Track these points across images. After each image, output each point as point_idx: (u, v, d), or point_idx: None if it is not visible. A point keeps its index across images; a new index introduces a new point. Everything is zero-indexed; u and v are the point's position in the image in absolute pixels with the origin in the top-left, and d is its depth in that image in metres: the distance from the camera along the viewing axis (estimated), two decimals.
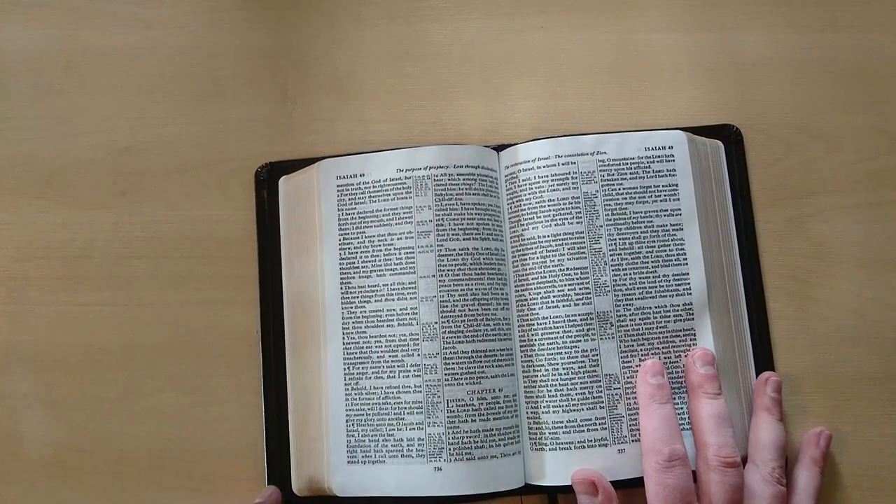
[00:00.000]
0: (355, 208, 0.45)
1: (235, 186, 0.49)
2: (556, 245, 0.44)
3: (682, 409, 0.43)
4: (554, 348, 0.43)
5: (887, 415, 0.45)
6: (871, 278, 0.47)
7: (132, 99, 0.51)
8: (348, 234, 0.45)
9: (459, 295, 0.44)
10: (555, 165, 0.45)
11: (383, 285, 0.44)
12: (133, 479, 0.46)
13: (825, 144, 0.48)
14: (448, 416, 0.43)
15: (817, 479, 0.43)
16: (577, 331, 0.43)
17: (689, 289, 0.44)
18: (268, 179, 0.48)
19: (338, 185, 0.46)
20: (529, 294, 0.44)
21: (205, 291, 0.48)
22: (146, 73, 0.51)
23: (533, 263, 0.44)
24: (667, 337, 0.43)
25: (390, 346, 0.44)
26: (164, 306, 0.48)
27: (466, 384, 0.43)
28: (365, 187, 0.46)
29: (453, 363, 0.43)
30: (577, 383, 0.43)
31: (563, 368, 0.43)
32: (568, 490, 0.42)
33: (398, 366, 0.43)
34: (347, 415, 0.43)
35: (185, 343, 0.48)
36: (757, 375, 0.45)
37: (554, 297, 0.43)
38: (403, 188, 0.45)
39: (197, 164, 0.50)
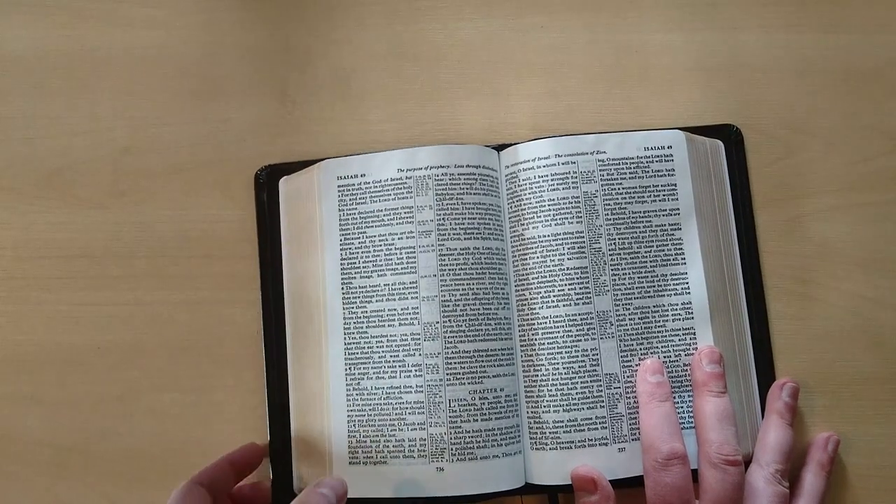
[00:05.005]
0: (356, 208, 0.45)
1: (235, 186, 0.49)
2: (557, 244, 0.44)
3: (681, 407, 0.43)
4: (554, 348, 0.43)
5: (887, 415, 0.46)
6: (871, 278, 0.47)
7: (132, 99, 0.51)
8: (349, 234, 0.45)
9: (461, 294, 0.44)
10: (555, 165, 0.45)
11: (384, 285, 0.44)
12: (133, 479, 0.46)
13: (825, 144, 0.49)
14: (450, 416, 0.42)
15: (823, 483, 0.43)
16: (577, 330, 0.43)
17: (688, 288, 0.44)
18: (267, 181, 0.48)
19: (338, 186, 0.46)
20: (530, 294, 0.44)
21: (205, 291, 0.48)
22: (146, 73, 0.51)
23: (533, 263, 0.44)
24: (666, 336, 0.43)
25: (391, 345, 0.44)
26: (164, 306, 0.48)
27: (468, 384, 0.43)
28: (366, 187, 0.45)
29: (455, 363, 0.43)
30: (577, 382, 0.43)
31: (564, 368, 0.43)
32: (568, 489, 0.42)
33: (399, 366, 0.43)
34: (349, 415, 0.43)
35: (185, 343, 0.48)
36: (757, 375, 0.45)
37: (554, 296, 0.43)
38: (404, 188, 0.45)
39: (197, 164, 0.50)
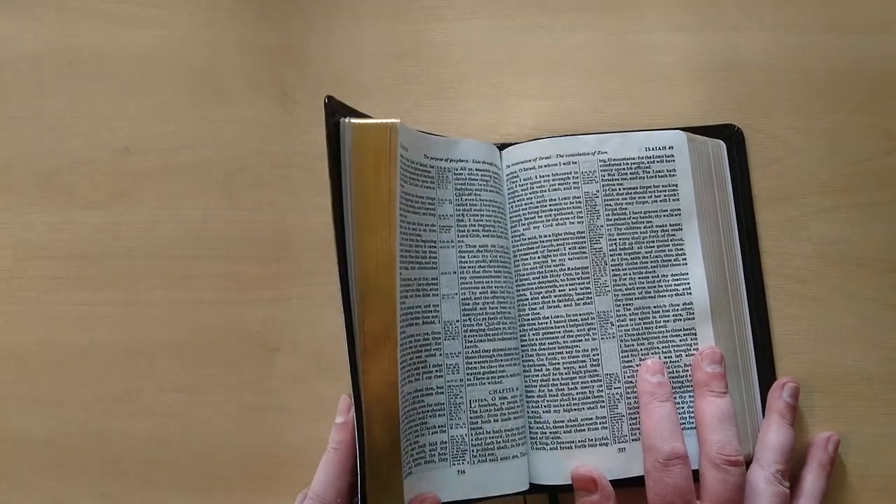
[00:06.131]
0: (403, 186, 0.40)
1: (235, 186, 0.49)
2: (557, 245, 0.44)
3: (682, 408, 0.43)
4: (555, 348, 0.43)
5: (887, 414, 0.45)
6: (871, 278, 0.47)
7: (132, 99, 0.51)
8: (400, 215, 0.40)
9: (480, 293, 0.43)
10: (556, 165, 0.45)
11: (412, 279, 0.41)
12: (133, 479, 0.46)
13: (825, 144, 0.49)
14: (471, 417, 0.41)
15: (824, 483, 0.43)
16: (577, 330, 0.43)
17: (689, 288, 0.44)
18: (332, 114, 0.38)
19: (400, 156, 0.40)
20: (531, 293, 0.44)
21: (205, 291, 0.48)
22: (146, 73, 0.51)
23: (534, 263, 0.44)
24: (667, 336, 0.43)
25: (415, 345, 0.41)
26: (164, 306, 0.48)
27: (488, 383, 0.42)
28: (405, 165, 0.41)
29: (475, 362, 0.42)
30: (577, 383, 0.43)
31: (564, 368, 0.43)
32: (568, 489, 0.42)
33: (422, 367, 0.41)
34: (401, 429, 0.38)
35: (185, 343, 0.48)
36: (758, 375, 0.45)
37: (555, 296, 0.43)
38: (427, 177, 0.43)
39: (197, 164, 0.50)
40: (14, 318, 0.48)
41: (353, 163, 0.38)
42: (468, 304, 0.43)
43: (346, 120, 0.38)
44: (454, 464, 0.41)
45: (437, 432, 0.41)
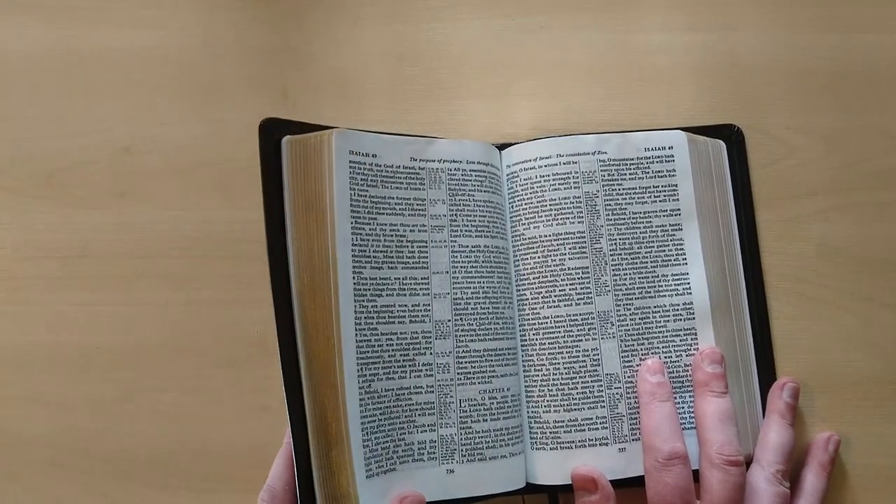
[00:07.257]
0: (367, 191, 0.42)
1: (235, 186, 0.49)
2: (558, 244, 0.44)
3: (682, 408, 0.43)
4: (555, 348, 0.43)
5: (887, 415, 0.46)
6: (871, 278, 0.47)
7: (132, 99, 0.51)
8: (360, 218, 0.41)
9: (472, 293, 0.43)
10: (556, 165, 0.45)
11: (395, 279, 0.42)
12: (133, 479, 0.46)
13: (825, 144, 0.49)
14: (460, 417, 0.42)
15: (824, 483, 0.43)
16: (578, 330, 0.43)
17: (689, 288, 0.44)
18: (272, 135, 0.41)
19: (350, 161, 0.42)
20: (531, 293, 0.44)
21: (205, 291, 0.48)
22: (146, 73, 0.51)
23: (534, 263, 0.44)
24: (667, 336, 0.43)
25: (402, 344, 0.41)
26: (164, 306, 0.48)
27: (479, 383, 0.42)
28: (377, 170, 0.42)
29: (466, 362, 0.42)
30: (577, 382, 0.43)
31: (564, 368, 0.43)
32: (568, 489, 0.42)
33: (410, 365, 0.41)
34: (363, 422, 0.39)
35: (185, 343, 0.48)
36: (759, 375, 0.45)
37: (555, 296, 0.43)
38: (417, 179, 0.43)
39: (197, 164, 0.50)
40: (14, 318, 0.48)
41: (290, 176, 0.40)
42: (460, 303, 0.43)
43: (285, 138, 0.41)
44: (443, 463, 0.41)
45: (425, 431, 0.41)
